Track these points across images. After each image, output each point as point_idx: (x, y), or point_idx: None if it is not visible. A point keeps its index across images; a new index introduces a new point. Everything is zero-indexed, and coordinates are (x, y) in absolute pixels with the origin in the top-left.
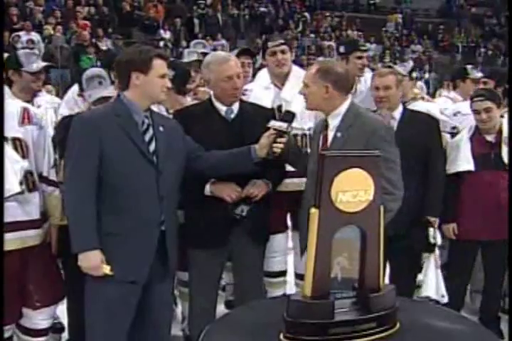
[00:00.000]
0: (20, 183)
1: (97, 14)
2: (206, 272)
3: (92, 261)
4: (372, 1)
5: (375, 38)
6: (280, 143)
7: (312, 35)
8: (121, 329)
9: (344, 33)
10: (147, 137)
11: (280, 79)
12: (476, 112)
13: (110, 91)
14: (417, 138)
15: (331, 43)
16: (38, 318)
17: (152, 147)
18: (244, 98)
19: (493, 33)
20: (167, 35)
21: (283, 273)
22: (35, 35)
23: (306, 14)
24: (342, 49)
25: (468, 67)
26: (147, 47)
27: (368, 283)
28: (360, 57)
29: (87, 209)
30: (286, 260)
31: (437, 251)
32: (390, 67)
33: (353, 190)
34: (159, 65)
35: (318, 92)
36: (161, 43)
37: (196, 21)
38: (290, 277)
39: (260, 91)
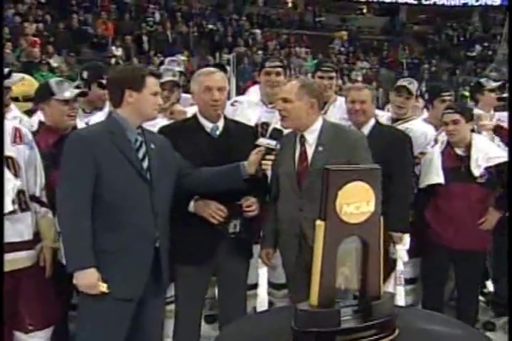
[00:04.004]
0: (13, 202)
1: (46, 31)
2: (192, 287)
3: (89, 279)
4: (318, 19)
5: (323, 54)
6: (269, 160)
7: (260, 52)
8: None
9: (293, 50)
10: (140, 154)
11: (269, 98)
12: (444, 123)
13: None
14: (383, 153)
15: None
16: None
17: (145, 164)
18: (232, 108)
19: (435, 50)
20: (119, 52)
21: (255, 286)
22: None
23: (257, 31)
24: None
25: (483, 79)
26: (140, 65)
27: (369, 292)
28: (321, 77)
29: (82, 227)
30: (258, 273)
31: (401, 268)
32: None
33: (356, 201)
34: (152, 83)
35: (304, 108)
36: (113, 60)
37: (145, 38)
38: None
39: (249, 106)
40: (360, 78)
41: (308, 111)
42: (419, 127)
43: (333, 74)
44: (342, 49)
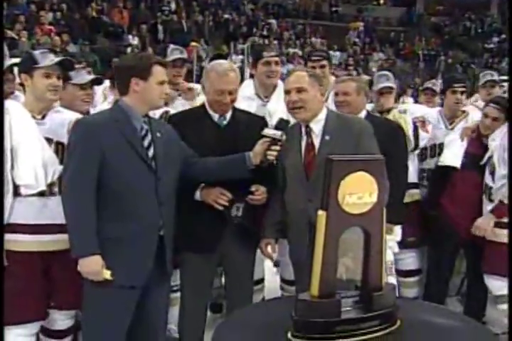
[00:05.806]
0: (52, 184)
1: (63, 19)
2: (197, 275)
3: (93, 266)
4: (334, 9)
5: (338, 45)
6: (274, 150)
7: (275, 42)
8: (119, 333)
9: (308, 41)
10: (146, 142)
11: (265, 91)
12: (484, 115)
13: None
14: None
15: (295, 50)
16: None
17: (151, 152)
18: None
19: (452, 42)
20: (135, 41)
21: (261, 281)
22: None
23: (272, 21)
24: None
25: (481, 74)
26: (147, 54)
27: (370, 282)
28: (313, 67)
29: (87, 214)
30: (264, 267)
31: (391, 258)
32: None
33: (359, 192)
34: (159, 72)
35: (317, 96)
36: (129, 49)
37: (160, 28)
38: (267, 282)
39: (243, 101)
40: (375, 69)
41: (320, 100)
42: (416, 107)
43: (325, 62)
44: (358, 40)
